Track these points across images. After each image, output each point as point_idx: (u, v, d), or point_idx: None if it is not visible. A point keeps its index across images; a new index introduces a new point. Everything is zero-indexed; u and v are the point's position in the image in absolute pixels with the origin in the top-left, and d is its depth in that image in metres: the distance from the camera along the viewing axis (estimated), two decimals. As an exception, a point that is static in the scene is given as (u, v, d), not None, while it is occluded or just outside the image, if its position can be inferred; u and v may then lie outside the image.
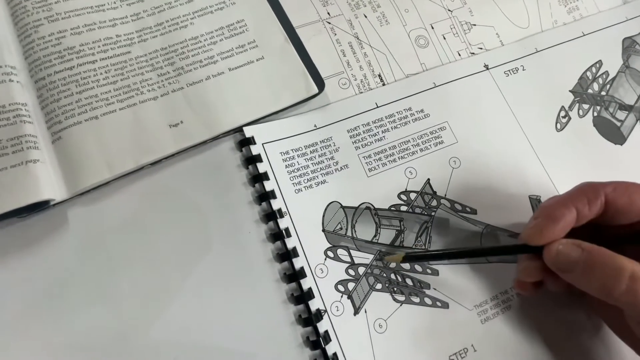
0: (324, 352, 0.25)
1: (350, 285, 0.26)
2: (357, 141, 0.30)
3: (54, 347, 0.24)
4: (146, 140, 0.27)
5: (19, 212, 0.24)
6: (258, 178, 0.28)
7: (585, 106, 0.33)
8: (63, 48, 0.28)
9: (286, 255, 0.26)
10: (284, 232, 0.26)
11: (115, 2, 0.31)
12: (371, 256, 0.27)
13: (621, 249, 0.21)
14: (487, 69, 0.33)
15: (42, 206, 0.25)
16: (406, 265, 0.27)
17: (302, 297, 0.25)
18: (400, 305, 0.26)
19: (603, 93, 0.34)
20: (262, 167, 0.28)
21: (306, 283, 0.26)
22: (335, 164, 0.29)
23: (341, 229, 0.28)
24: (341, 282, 0.26)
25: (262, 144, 0.28)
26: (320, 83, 0.30)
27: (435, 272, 0.27)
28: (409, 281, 0.27)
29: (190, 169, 0.28)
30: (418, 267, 0.27)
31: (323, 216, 0.28)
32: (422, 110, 0.31)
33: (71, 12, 0.29)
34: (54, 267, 0.25)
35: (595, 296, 0.22)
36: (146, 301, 0.25)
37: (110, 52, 0.29)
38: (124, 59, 0.29)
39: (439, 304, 0.27)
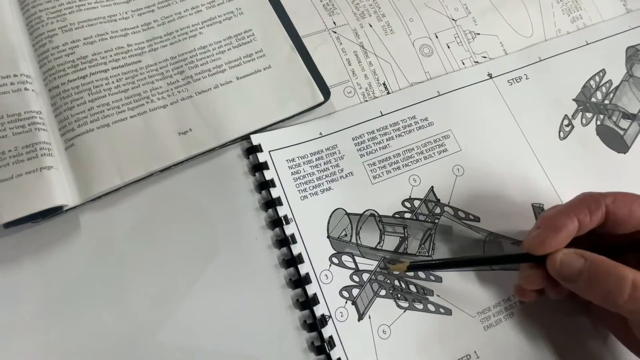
0: (329, 357, 0.25)
1: (355, 291, 0.27)
2: (361, 149, 0.30)
3: (63, 349, 0.24)
4: (156, 148, 0.28)
5: (32, 217, 0.25)
6: (264, 185, 0.28)
7: (589, 115, 0.34)
8: (76, 57, 0.29)
9: (292, 261, 0.27)
10: (289, 238, 0.27)
11: (126, 13, 0.31)
12: (375, 263, 0.28)
13: (622, 258, 0.22)
14: (491, 77, 0.34)
15: (55, 212, 0.25)
16: (410, 272, 0.28)
17: (307, 303, 0.26)
18: (404, 311, 0.27)
19: (606, 102, 0.34)
20: (268, 175, 0.28)
21: (311, 289, 0.26)
22: (340, 171, 0.30)
23: (346, 235, 0.28)
24: (346, 288, 0.27)
25: (269, 151, 0.29)
26: (325, 91, 0.31)
27: (439, 279, 0.28)
28: (412, 288, 0.27)
29: (198, 176, 0.28)
30: (421, 274, 0.28)
31: (328, 223, 0.28)
32: (426, 119, 0.32)
33: (84, 22, 0.30)
34: (65, 271, 0.26)
35: (599, 304, 0.22)
36: (154, 305, 0.25)
37: (121, 61, 0.29)
38: (134, 67, 0.30)
39: (442, 310, 0.27)
